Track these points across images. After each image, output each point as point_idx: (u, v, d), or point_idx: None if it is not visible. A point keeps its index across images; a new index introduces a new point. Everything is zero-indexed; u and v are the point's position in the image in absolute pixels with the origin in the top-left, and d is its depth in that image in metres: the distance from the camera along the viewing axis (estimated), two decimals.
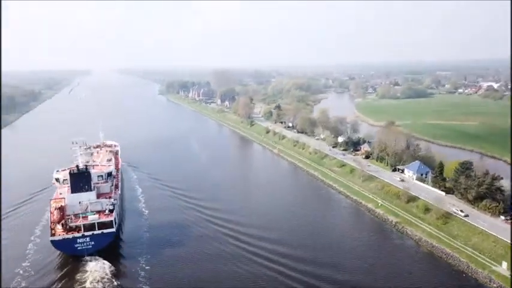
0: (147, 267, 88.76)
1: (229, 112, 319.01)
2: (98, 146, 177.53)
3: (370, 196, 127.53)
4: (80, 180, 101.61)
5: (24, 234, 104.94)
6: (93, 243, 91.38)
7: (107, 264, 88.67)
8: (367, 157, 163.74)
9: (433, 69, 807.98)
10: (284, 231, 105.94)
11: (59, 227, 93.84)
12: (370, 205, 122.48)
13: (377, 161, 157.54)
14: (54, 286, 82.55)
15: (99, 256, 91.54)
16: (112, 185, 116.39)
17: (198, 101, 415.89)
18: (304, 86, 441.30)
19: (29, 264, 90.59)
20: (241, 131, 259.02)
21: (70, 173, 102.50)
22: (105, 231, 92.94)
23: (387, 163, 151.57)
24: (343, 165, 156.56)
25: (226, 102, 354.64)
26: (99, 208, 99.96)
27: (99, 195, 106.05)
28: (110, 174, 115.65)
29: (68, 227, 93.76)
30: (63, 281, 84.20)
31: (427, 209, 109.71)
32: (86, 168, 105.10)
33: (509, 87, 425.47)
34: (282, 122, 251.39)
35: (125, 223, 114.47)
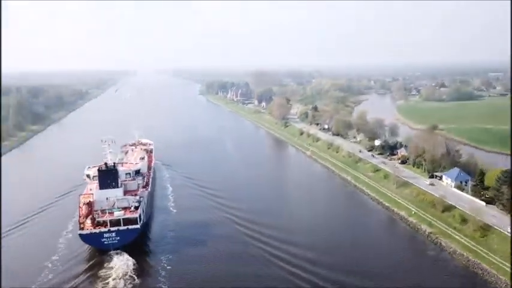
0: (168, 267, 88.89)
1: (265, 113, 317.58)
2: (133, 144, 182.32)
3: (404, 203, 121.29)
4: (108, 177, 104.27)
5: (59, 227, 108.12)
6: (118, 238, 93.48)
7: (130, 260, 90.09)
8: (403, 162, 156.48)
9: (483, 70, 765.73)
10: (311, 236, 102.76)
11: (87, 222, 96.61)
12: (403, 213, 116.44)
13: (414, 166, 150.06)
14: (78, 279, 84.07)
15: (125, 251, 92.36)
16: (140, 183, 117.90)
17: (236, 101, 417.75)
18: (344, 87, 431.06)
19: (57, 257, 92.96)
20: (275, 132, 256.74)
21: (98, 170, 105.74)
22: (130, 227, 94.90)
23: (424, 169, 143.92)
24: (377, 170, 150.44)
25: (263, 103, 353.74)
26: (125, 205, 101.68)
27: (126, 192, 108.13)
28: (137, 172, 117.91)
29: (95, 221, 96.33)
30: (87, 275, 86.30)
31: (464, 220, 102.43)
32: (114, 166, 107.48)
33: None
34: (317, 124, 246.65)
35: (152, 220, 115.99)
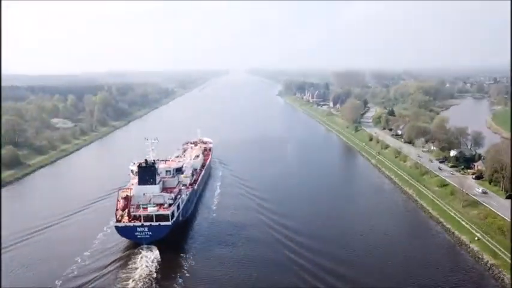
0: (195, 266, 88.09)
1: (337, 115, 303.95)
2: (194, 142, 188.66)
3: (467, 226, 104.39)
4: (146, 173, 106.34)
5: (105, 218, 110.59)
6: (150, 233, 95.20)
7: (158, 256, 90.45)
8: (478, 177, 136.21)
9: None
10: (352, 253, 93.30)
11: (124, 215, 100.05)
12: (464, 237, 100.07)
13: (490, 183, 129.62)
14: (106, 269, 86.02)
15: (156, 246, 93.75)
16: (181, 180, 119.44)
17: (311, 102, 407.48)
18: (430, 90, 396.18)
19: (96, 247, 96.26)
20: (344, 136, 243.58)
21: (138, 166, 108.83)
22: (162, 223, 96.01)
23: (502, 187, 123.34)
24: (445, 185, 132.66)
25: (338, 105, 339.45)
26: (161, 201, 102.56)
27: (164, 189, 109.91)
28: (178, 170, 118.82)
29: (131, 215, 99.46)
30: (116, 265, 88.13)
31: None
32: (153, 163, 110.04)
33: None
34: (390, 129, 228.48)
35: (193, 218, 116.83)
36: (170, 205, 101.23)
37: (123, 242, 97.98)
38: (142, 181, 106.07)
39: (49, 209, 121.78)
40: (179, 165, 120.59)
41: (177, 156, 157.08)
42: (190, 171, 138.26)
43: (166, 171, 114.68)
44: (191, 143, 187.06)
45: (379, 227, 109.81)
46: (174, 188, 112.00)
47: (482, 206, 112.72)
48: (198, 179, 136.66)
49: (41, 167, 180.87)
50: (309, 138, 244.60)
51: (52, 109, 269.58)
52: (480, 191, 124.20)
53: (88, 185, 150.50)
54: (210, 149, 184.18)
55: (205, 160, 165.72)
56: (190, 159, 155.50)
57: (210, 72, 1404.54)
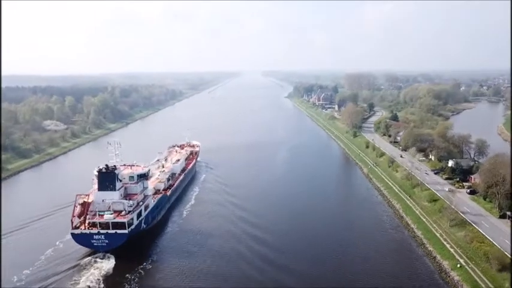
0: (149, 277, 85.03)
1: (339, 119, 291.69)
2: (181, 146, 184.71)
3: (452, 250, 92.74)
4: (106, 179, 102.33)
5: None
6: (107, 241, 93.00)
7: (112, 266, 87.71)
8: (472, 192, 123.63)
9: None
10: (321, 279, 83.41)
11: (83, 221, 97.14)
12: (445, 263, 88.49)
13: (485, 199, 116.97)
14: (57, 277, 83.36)
15: (113, 255, 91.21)
16: (146, 187, 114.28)
17: (317, 105, 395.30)
18: (441, 93, 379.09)
19: (52, 253, 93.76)
20: (341, 142, 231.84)
21: (98, 172, 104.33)
22: (118, 231, 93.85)
23: (497, 205, 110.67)
24: (435, 200, 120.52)
25: (343, 108, 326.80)
26: (120, 208, 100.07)
27: (127, 196, 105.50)
28: (142, 175, 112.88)
29: (88, 222, 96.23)
30: (67, 273, 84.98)
31: None
32: (114, 168, 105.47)
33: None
34: (390, 136, 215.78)
35: (160, 226, 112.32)
36: (129, 212, 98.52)
37: (82, 249, 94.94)
38: (102, 187, 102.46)
39: (12, 215, 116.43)
40: (144, 170, 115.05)
41: (158, 160, 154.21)
42: (167, 176, 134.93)
43: (130, 177, 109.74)
44: (178, 146, 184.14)
45: (355, 248, 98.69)
46: (136, 194, 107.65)
47: (471, 226, 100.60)
48: (174, 184, 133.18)
49: (20, 171, 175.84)
50: (306, 144, 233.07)
51: (45, 111, 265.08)
52: (471, 208, 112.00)
53: (63, 190, 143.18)
54: (196, 153, 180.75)
55: (187, 164, 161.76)
56: (170, 164, 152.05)
57: (224, 73, 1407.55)
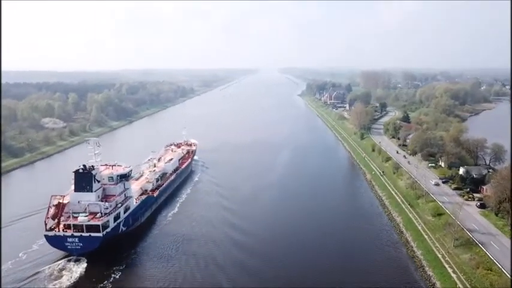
0: (121, 283, 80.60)
1: (349, 119, 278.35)
2: (177, 144, 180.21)
3: (454, 276, 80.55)
4: (83, 179, 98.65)
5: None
6: (81, 244, 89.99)
7: (83, 270, 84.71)
8: (482, 206, 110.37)
9: None
10: None
11: (57, 223, 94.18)
12: None
13: (496, 215, 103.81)
14: (26, 281, 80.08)
15: (87, 258, 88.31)
16: (126, 188, 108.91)
17: (329, 104, 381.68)
18: (459, 93, 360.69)
19: (25, 256, 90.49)
20: (347, 144, 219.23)
21: (74, 172, 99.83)
22: (93, 234, 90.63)
23: (510, 222, 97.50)
24: (439, 215, 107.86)
25: (353, 107, 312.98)
26: (97, 210, 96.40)
27: (106, 197, 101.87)
28: (123, 176, 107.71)
29: (63, 224, 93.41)
30: (37, 277, 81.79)
31: None
32: (92, 168, 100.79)
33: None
34: (398, 138, 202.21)
35: (143, 228, 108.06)
36: (106, 215, 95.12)
37: (57, 252, 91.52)
38: (78, 188, 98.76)
39: None
40: (125, 171, 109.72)
41: (150, 160, 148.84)
42: (156, 176, 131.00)
43: (109, 177, 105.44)
44: (175, 145, 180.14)
45: (342, 269, 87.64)
46: (115, 196, 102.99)
47: (478, 248, 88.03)
48: (163, 185, 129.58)
49: (9, 171, 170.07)
50: (311, 146, 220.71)
51: (46, 108, 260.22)
52: (479, 225, 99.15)
53: (48, 190, 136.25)
54: (192, 152, 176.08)
55: (181, 163, 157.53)
56: (163, 163, 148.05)
57: (241, 71, 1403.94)
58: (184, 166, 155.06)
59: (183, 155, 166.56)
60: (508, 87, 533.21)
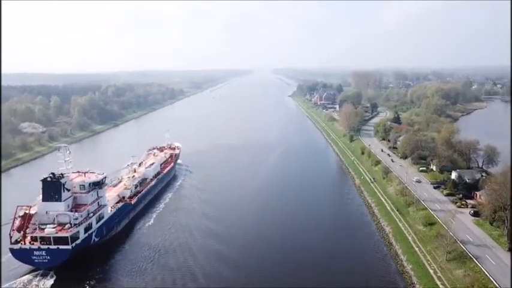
0: None
1: (338, 121, 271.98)
2: (160, 148, 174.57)
3: None
4: (51, 188, 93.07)
5: None
6: (49, 257, 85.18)
7: (49, 285, 79.77)
8: (476, 214, 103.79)
9: None
10: None
11: (21, 236, 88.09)
12: None
13: (491, 224, 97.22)
14: None
15: (55, 272, 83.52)
16: (100, 196, 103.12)
17: (319, 105, 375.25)
18: (450, 92, 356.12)
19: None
20: (337, 147, 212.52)
21: (42, 180, 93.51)
22: (61, 246, 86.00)
23: (505, 232, 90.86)
24: (431, 224, 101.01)
25: (342, 108, 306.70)
26: (66, 220, 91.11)
27: (77, 206, 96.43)
28: (96, 184, 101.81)
29: (29, 236, 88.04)
30: None
31: None
32: (60, 177, 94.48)
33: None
34: (389, 140, 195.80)
35: (118, 238, 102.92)
36: (75, 225, 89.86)
37: (23, 266, 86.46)
38: (46, 197, 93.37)
39: None
40: (98, 178, 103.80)
41: (129, 165, 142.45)
42: (135, 183, 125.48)
43: (80, 185, 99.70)
44: (157, 149, 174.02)
45: (330, 285, 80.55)
46: (87, 205, 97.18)
47: (472, 262, 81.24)
48: (142, 191, 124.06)
49: None
50: (299, 148, 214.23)
51: (25, 112, 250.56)
52: (474, 236, 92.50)
53: (17, 200, 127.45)
54: (176, 156, 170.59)
55: (163, 168, 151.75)
56: (143, 168, 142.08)
57: (235, 71, 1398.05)
58: (166, 171, 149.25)
59: (165, 159, 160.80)
60: (499, 86, 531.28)
